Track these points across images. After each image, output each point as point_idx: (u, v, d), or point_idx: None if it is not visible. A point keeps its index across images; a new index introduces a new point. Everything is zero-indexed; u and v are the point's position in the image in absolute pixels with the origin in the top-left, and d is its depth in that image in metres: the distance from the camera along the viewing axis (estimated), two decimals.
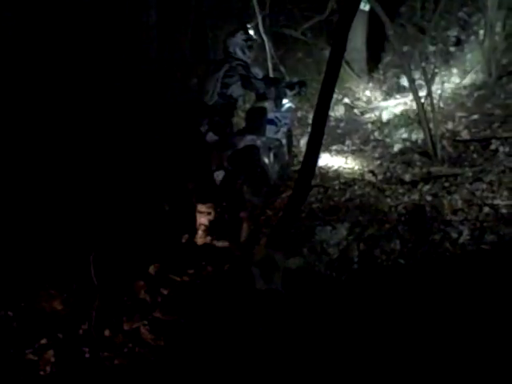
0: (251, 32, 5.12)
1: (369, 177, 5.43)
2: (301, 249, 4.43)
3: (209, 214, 4.75)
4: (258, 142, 5.05)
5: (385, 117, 6.86)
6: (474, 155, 5.16)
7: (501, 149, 5.00)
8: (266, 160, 5.15)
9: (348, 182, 5.44)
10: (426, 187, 4.84)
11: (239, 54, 4.98)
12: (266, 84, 5.03)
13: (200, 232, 4.69)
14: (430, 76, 5.59)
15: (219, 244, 4.61)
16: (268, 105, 5.17)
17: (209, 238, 4.66)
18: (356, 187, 5.26)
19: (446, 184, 4.79)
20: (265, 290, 3.96)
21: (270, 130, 5.16)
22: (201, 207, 4.76)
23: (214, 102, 4.87)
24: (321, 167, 5.81)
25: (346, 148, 6.33)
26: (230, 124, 5.00)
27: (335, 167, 5.88)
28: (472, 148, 5.28)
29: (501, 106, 5.87)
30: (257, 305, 3.84)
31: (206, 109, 4.88)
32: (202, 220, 4.73)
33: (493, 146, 5.11)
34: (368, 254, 4.27)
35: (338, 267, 4.25)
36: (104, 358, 3.38)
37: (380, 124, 6.68)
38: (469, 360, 2.87)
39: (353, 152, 6.20)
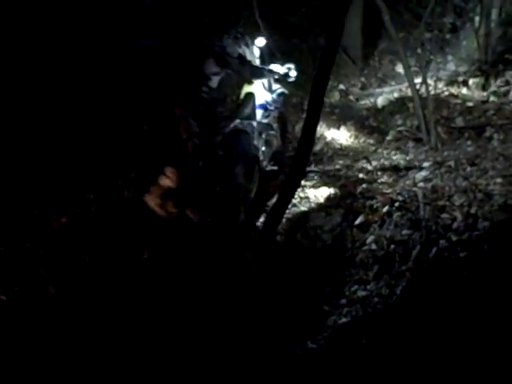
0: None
1: (363, 163, 5.43)
2: (295, 234, 4.46)
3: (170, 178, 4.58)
4: (247, 127, 4.98)
5: (380, 103, 6.85)
6: (469, 142, 5.17)
7: (495, 136, 5.02)
8: (257, 144, 5.12)
9: (342, 168, 5.45)
10: (420, 174, 4.85)
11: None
12: (241, 63, 4.87)
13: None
14: (425, 63, 5.59)
15: (192, 216, 4.54)
16: (257, 89, 5.10)
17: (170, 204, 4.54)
18: (350, 173, 5.27)
19: (441, 170, 4.80)
20: (260, 274, 3.99)
21: (260, 115, 5.08)
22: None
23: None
24: (315, 153, 5.80)
25: (340, 134, 6.32)
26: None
27: (330, 153, 5.87)
28: (466, 135, 5.29)
29: (495, 94, 5.88)
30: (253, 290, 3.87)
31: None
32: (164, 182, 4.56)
33: (487, 134, 5.13)
34: (361, 240, 4.29)
35: (332, 253, 4.28)
36: None
37: (375, 111, 6.67)
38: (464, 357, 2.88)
39: (347, 138, 6.20)
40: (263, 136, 5.18)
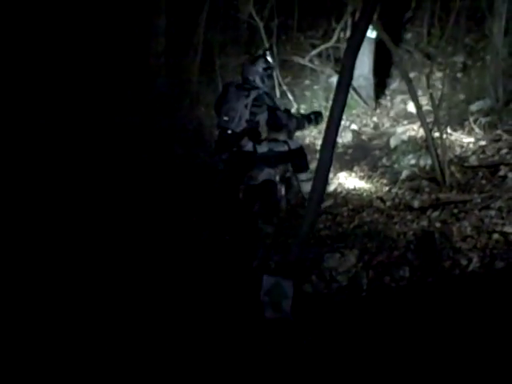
0: (270, 58, 5.13)
1: (377, 203, 5.42)
2: (310, 276, 4.43)
3: None
4: (276, 177, 5.08)
5: (393, 143, 6.87)
6: (483, 181, 5.14)
7: (509, 175, 4.99)
8: (279, 191, 5.21)
9: (356, 208, 5.44)
10: (435, 214, 4.83)
11: (258, 82, 4.98)
12: (289, 116, 5.08)
13: None
14: (437, 102, 5.60)
15: None
16: (282, 136, 5.18)
17: None
18: (364, 214, 5.26)
19: (455, 210, 4.77)
20: (274, 318, 3.95)
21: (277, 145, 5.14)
22: None
23: (242, 129, 4.84)
24: (329, 193, 5.81)
25: (354, 174, 6.34)
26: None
27: (344, 193, 5.88)
28: (480, 174, 5.26)
29: (508, 132, 5.86)
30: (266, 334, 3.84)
31: (233, 135, 4.86)
32: None
33: (501, 172, 5.10)
34: (377, 281, 4.26)
35: (348, 295, 4.25)
36: None
37: (388, 150, 6.69)
38: None
39: (361, 178, 6.21)
40: (284, 182, 5.33)
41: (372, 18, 3.98)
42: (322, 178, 3.89)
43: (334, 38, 8.43)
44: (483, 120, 6.41)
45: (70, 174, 5.94)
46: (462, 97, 7.64)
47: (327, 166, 3.88)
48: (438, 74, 8.33)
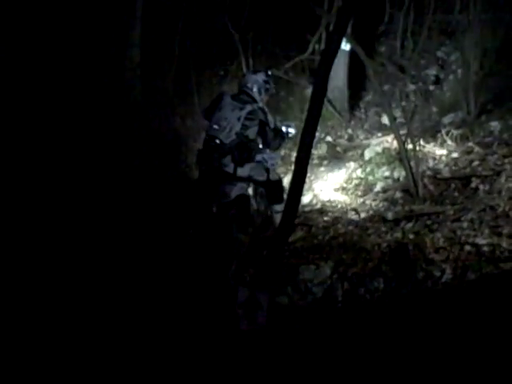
0: (270, 80, 5.13)
1: (352, 215, 5.46)
2: (285, 288, 4.43)
3: None
4: (249, 190, 5.03)
5: (367, 155, 6.93)
6: (455, 193, 5.21)
7: (481, 187, 5.07)
8: (254, 204, 5.21)
9: (331, 219, 5.47)
10: (409, 225, 4.88)
11: (256, 92, 4.99)
12: (275, 136, 5.00)
13: None
14: (410, 114, 5.68)
15: None
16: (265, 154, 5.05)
17: None
18: (339, 225, 5.29)
19: (428, 222, 4.83)
20: (249, 330, 3.95)
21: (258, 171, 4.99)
22: None
23: (231, 141, 4.75)
24: (304, 205, 5.83)
25: (329, 186, 6.37)
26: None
27: (318, 205, 5.90)
28: (453, 186, 5.34)
29: (480, 144, 5.96)
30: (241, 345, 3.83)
31: (220, 146, 4.76)
32: None
33: (473, 184, 5.17)
34: (352, 292, 4.28)
35: (323, 306, 4.26)
36: None
37: (362, 162, 6.74)
38: None
39: (336, 190, 6.24)
40: (259, 194, 5.27)
41: (345, 31, 4.01)
42: (296, 190, 3.89)
43: (309, 50, 8.48)
44: (455, 132, 6.51)
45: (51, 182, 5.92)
46: (434, 109, 7.74)
47: (302, 178, 3.89)
48: (412, 87, 8.46)
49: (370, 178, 6.21)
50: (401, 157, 5.48)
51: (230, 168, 4.79)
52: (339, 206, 5.78)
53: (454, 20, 7.86)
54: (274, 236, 4.14)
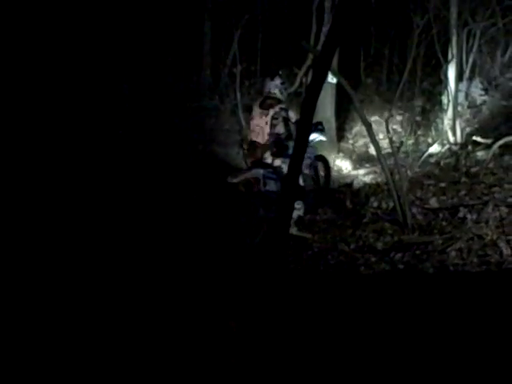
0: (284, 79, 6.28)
1: (342, 246, 5.46)
2: None
3: None
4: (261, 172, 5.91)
5: (355, 185, 6.98)
6: (443, 223, 5.23)
7: (468, 216, 5.09)
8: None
9: (321, 251, 5.47)
10: (398, 255, 4.88)
11: (278, 94, 6.07)
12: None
13: None
14: (397, 145, 5.74)
15: None
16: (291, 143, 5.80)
17: None
18: (329, 257, 5.28)
19: (417, 252, 4.83)
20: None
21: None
22: None
23: (266, 141, 5.97)
24: (294, 236, 5.83)
25: (318, 217, 6.38)
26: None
27: (308, 236, 5.90)
28: (441, 216, 5.36)
29: (467, 174, 6.02)
30: None
31: (260, 146, 6.00)
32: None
33: (461, 214, 5.20)
34: None
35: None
36: None
37: (351, 193, 6.77)
38: None
39: (325, 221, 6.25)
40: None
41: (330, 65, 4.06)
42: (283, 223, 3.90)
43: (297, 83, 8.60)
44: (442, 162, 6.57)
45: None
46: (421, 139, 7.83)
47: (288, 214, 3.90)
48: (398, 118, 8.57)
49: (359, 208, 6.23)
50: (389, 187, 5.51)
51: (269, 160, 6.04)
52: (329, 236, 5.78)
53: (438, 52, 7.99)
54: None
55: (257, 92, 9.01)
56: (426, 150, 7.34)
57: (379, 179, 6.70)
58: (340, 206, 6.52)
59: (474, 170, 6.10)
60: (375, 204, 6.12)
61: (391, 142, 6.00)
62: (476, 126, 7.53)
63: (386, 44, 9.63)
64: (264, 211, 5.82)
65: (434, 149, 7.29)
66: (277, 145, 5.99)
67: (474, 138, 6.96)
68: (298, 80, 8.63)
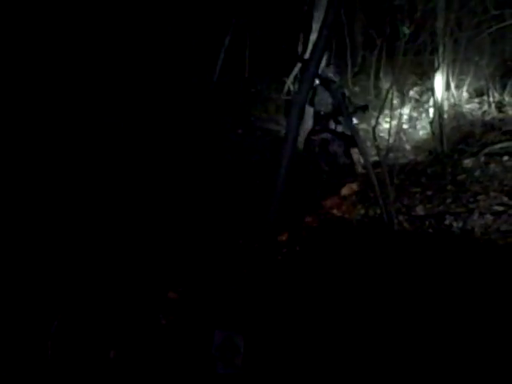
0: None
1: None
2: None
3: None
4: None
5: (343, 193, 6.98)
6: (430, 230, 5.26)
7: (454, 224, 5.12)
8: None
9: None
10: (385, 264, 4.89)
11: (333, 76, 7.54)
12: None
13: None
14: (384, 153, 5.75)
15: None
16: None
17: None
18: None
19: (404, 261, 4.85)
20: (225, 373, 3.89)
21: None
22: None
23: (329, 111, 7.50)
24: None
25: (305, 224, 6.37)
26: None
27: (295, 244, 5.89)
28: (427, 223, 5.38)
29: (453, 182, 6.05)
30: None
31: (325, 115, 7.53)
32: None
33: (447, 221, 5.23)
34: None
35: None
36: None
37: (339, 200, 6.77)
38: None
39: (310, 229, 6.24)
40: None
41: (317, 73, 4.10)
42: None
43: (285, 90, 8.64)
44: (429, 170, 6.60)
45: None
46: (408, 147, 7.87)
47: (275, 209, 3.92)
48: (385, 126, 8.60)
49: (347, 216, 6.23)
50: (376, 195, 5.52)
51: (333, 126, 7.49)
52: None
53: (425, 61, 8.06)
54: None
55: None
56: (413, 158, 7.38)
57: (367, 187, 6.70)
58: (327, 213, 6.52)
59: (460, 177, 6.13)
60: (362, 211, 6.14)
61: (378, 149, 6.02)
62: (462, 134, 7.57)
63: (374, 52, 9.68)
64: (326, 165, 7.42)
65: (421, 157, 7.33)
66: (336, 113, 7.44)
67: (460, 146, 7.01)
68: (286, 88, 8.66)
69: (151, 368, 4.05)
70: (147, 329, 4.52)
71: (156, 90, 8.49)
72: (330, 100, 7.45)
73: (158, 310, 4.78)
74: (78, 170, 6.30)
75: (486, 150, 6.20)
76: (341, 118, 7.42)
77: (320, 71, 7.06)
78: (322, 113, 7.55)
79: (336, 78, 7.64)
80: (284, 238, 5.83)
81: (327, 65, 7.84)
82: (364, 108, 8.06)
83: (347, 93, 7.68)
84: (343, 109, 7.15)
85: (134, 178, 6.61)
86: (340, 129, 7.51)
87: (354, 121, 7.64)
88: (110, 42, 8.14)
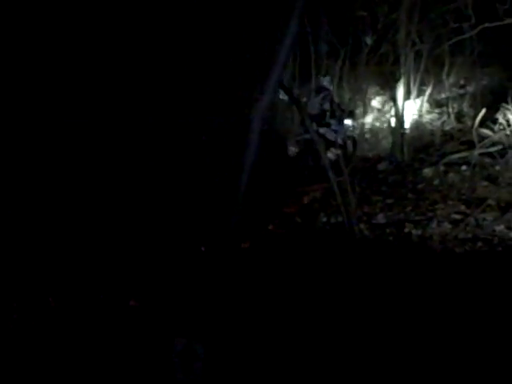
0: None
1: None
2: None
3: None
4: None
5: (306, 200, 7.02)
6: (390, 238, 5.33)
7: (414, 232, 5.21)
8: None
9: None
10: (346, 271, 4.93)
11: (328, 85, 8.47)
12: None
13: None
14: (346, 161, 5.83)
15: None
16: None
17: None
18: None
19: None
20: (185, 381, 3.86)
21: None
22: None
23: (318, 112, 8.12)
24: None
25: (267, 231, 6.39)
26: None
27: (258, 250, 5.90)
28: (388, 231, 5.46)
29: (413, 191, 6.16)
30: None
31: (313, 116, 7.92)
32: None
33: (406, 229, 5.31)
34: None
35: None
36: None
37: (301, 208, 6.82)
38: None
39: (276, 236, 6.26)
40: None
41: (280, 82, 4.12)
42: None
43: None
44: (390, 178, 6.70)
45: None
46: (370, 156, 7.97)
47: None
48: (349, 134, 8.69)
49: (309, 223, 6.27)
50: (337, 202, 5.57)
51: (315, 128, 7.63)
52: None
53: (387, 71, 8.20)
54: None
55: None
56: (375, 167, 7.48)
57: (329, 194, 6.76)
58: (289, 220, 6.56)
59: (420, 186, 6.25)
60: (324, 219, 6.19)
61: (340, 158, 6.09)
62: (423, 143, 7.72)
63: (337, 61, 9.77)
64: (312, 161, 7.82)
65: (382, 165, 7.43)
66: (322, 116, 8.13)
67: (421, 155, 7.15)
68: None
69: (110, 376, 4.00)
70: (107, 336, 4.47)
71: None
72: (317, 105, 8.23)
73: (119, 318, 4.74)
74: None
75: (446, 160, 6.33)
76: (324, 122, 8.14)
77: (319, 81, 8.66)
78: (312, 113, 8.14)
79: (330, 87, 8.59)
80: (246, 246, 5.83)
81: (320, 75, 9.07)
82: (351, 113, 8.69)
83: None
84: (338, 112, 8.07)
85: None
86: (322, 131, 7.96)
87: (350, 123, 8.43)
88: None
